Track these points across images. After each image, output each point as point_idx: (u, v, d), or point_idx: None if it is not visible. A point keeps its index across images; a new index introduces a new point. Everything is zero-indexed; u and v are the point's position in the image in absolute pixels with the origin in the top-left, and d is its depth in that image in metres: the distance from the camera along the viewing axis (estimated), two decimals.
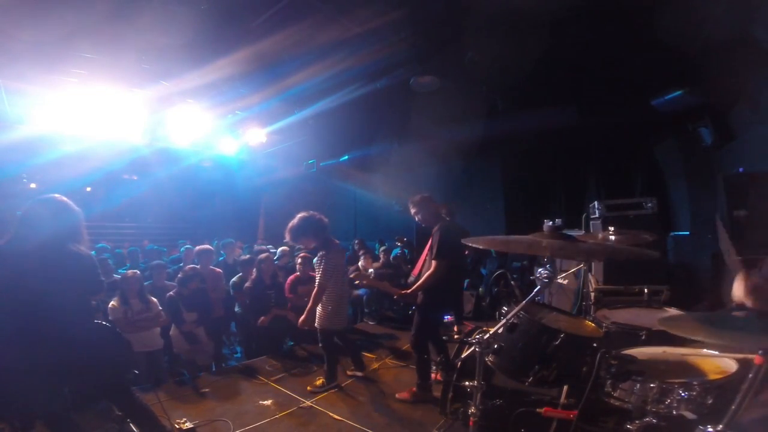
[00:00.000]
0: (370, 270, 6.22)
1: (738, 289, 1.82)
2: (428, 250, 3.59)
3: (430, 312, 3.53)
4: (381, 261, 6.91)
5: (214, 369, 4.55)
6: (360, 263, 6.60)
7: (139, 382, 3.48)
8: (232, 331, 5.70)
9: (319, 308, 3.74)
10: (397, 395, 3.61)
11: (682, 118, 5.21)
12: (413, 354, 3.66)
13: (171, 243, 9.64)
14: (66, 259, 2.17)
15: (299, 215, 3.71)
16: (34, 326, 2.05)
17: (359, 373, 4.11)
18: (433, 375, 3.64)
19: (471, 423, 1.98)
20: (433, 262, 3.38)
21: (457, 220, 5.43)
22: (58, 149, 7.58)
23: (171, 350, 4.42)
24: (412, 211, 3.66)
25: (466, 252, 4.83)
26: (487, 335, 1.96)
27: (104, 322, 2.36)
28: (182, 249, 7.23)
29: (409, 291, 3.53)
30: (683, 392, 1.65)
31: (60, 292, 2.12)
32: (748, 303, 1.78)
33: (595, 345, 2.00)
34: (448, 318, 5.70)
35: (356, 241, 7.93)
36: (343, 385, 3.91)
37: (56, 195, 2.34)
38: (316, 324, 3.76)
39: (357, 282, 4.82)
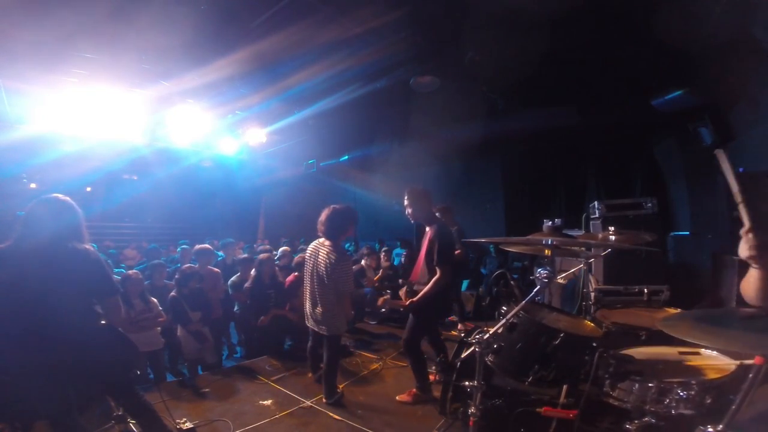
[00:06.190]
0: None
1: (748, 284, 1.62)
2: (425, 253, 3.48)
3: (427, 314, 3.50)
4: (382, 261, 6.91)
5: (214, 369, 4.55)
6: (363, 262, 6.59)
7: (140, 381, 3.48)
8: (231, 331, 5.70)
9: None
10: (397, 397, 3.60)
11: (682, 118, 5.20)
12: (408, 356, 3.59)
13: (171, 243, 9.63)
14: (69, 258, 2.16)
15: None
16: (36, 327, 2.04)
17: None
18: (431, 376, 3.62)
19: (471, 423, 1.99)
20: (438, 269, 3.31)
21: (456, 221, 5.42)
22: (58, 149, 7.57)
23: (171, 349, 4.42)
24: (406, 203, 3.51)
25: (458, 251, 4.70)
26: (487, 335, 1.97)
27: (104, 321, 2.32)
28: (179, 249, 7.27)
29: (415, 300, 3.38)
30: (682, 392, 1.65)
31: (63, 293, 2.10)
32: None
33: (594, 345, 2.00)
34: (450, 318, 5.70)
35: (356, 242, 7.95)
36: (342, 386, 3.90)
37: (58, 195, 2.33)
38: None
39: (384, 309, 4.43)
